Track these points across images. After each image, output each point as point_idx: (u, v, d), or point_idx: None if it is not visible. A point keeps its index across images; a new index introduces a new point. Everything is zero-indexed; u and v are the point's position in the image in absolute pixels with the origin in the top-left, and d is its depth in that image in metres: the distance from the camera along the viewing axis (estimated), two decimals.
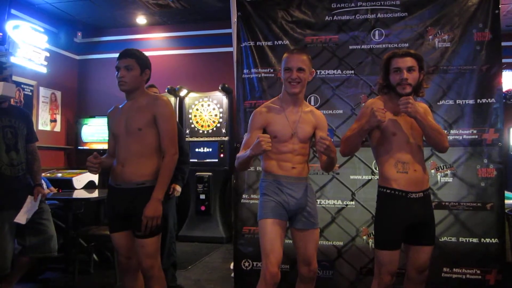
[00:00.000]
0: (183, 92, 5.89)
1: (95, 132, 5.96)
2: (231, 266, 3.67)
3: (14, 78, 4.61)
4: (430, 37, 3.36)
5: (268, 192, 2.37)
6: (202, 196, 5.65)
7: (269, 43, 3.56)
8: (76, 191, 4.54)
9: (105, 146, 5.78)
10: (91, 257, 4.05)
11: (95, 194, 4.38)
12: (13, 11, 4.92)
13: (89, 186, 4.97)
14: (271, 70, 3.53)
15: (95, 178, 5.06)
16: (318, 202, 3.25)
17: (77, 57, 6.57)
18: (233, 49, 3.70)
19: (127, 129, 2.40)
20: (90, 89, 6.60)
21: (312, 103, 3.44)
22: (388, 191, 2.30)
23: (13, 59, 4.92)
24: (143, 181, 2.40)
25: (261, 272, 2.26)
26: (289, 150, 2.37)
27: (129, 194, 2.40)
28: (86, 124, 6.09)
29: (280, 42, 3.54)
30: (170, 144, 2.44)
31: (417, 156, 2.32)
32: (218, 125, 5.76)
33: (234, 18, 3.67)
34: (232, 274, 3.55)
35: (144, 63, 2.53)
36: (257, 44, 3.57)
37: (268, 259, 2.24)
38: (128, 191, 2.41)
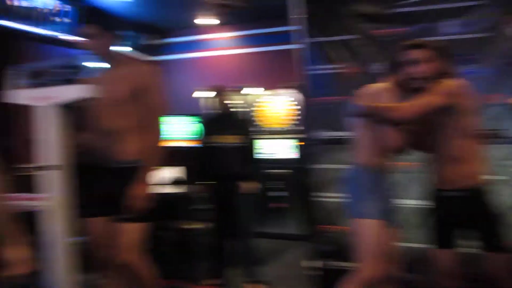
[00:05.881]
0: (249, 90, 5.95)
1: (174, 131, 6.08)
2: (309, 264, 3.66)
3: None
4: None
5: (369, 185, 2.17)
6: (279, 194, 5.67)
7: (336, 38, 3.50)
8: (161, 186, 4.70)
9: (185, 144, 6.13)
10: (175, 249, 4.23)
11: (178, 189, 4.57)
12: None
13: (174, 182, 5.15)
14: (338, 66, 3.47)
15: (177, 174, 5.23)
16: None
17: (149, 59, 6.83)
18: (299, 46, 3.69)
19: (108, 101, 2.11)
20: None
21: None
22: None
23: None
24: (129, 160, 2.18)
25: (362, 274, 2.15)
26: None
27: (112, 174, 2.19)
28: (164, 122, 6.26)
29: (347, 36, 3.47)
30: (157, 119, 2.23)
31: None
32: (290, 122, 5.73)
33: (299, 14, 3.65)
34: (310, 272, 3.54)
35: (108, 25, 2.20)
36: (323, 40, 3.52)
37: (370, 262, 2.12)
38: (111, 170, 2.20)
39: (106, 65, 2.25)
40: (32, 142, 1.85)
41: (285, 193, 5.66)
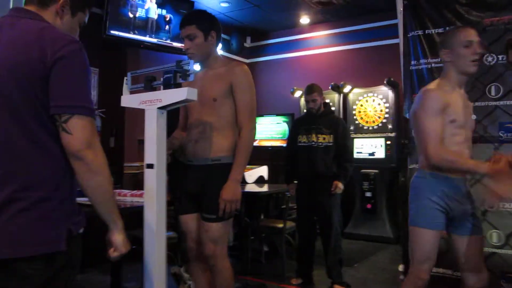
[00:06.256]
0: (346, 88, 5.85)
1: (263, 130, 6.31)
2: (400, 268, 3.51)
3: None
4: None
5: (429, 195, 2.07)
6: (368, 194, 5.52)
7: (440, 30, 3.28)
8: (247, 185, 4.89)
9: (274, 143, 6.29)
10: (262, 247, 4.34)
11: (265, 188, 4.66)
12: None
13: (259, 180, 5.30)
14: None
15: (264, 173, 5.37)
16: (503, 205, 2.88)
17: (247, 61, 7.05)
18: (399, 40, 3.53)
19: (201, 100, 2.06)
20: (258, 90, 7.00)
21: (493, 93, 3.06)
22: None
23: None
24: (219, 156, 2.17)
25: (410, 276, 2.12)
26: (463, 140, 2.10)
27: (202, 171, 2.18)
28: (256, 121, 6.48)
29: (453, 27, 3.24)
30: (247, 118, 2.18)
31: None
32: (384, 120, 5.55)
33: (399, 8, 3.49)
34: (402, 277, 3.39)
35: (207, 26, 2.21)
36: (426, 32, 3.33)
37: (422, 266, 2.07)
38: (201, 168, 2.19)
39: (204, 65, 2.33)
40: (142, 142, 2.01)
41: (376, 194, 5.48)
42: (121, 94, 2.07)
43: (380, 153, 5.51)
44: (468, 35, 2.08)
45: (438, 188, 2.07)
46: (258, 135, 6.39)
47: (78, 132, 1.22)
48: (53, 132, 1.24)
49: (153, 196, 1.84)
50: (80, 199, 1.38)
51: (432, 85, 2.15)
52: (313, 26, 6.54)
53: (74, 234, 1.28)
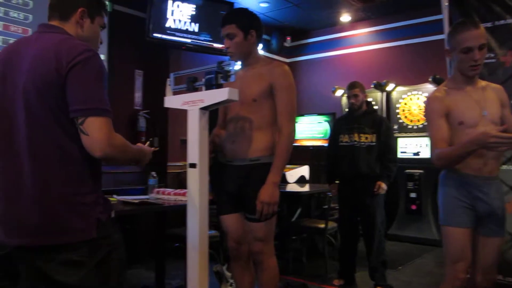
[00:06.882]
0: (390, 87, 5.72)
1: (304, 130, 6.28)
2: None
3: None
4: None
5: (455, 193, 2.04)
6: (413, 195, 5.37)
7: (488, 25, 3.14)
8: (288, 185, 4.88)
9: (315, 143, 6.24)
10: (303, 247, 4.32)
11: (306, 188, 4.63)
12: None
13: (301, 180, 5.28)
14: (492, 55, 3.11)
15: (306, 173, 5.34)
16: None
17: (287, 60, 7.03)
18: (444, 36, 3.42)
19: (241, 99, 2.01)
20: (299, 89, 7.00)
21: None
22: None
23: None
24: (257, 156, 2.16)
25: (447, 277, 2.09)
26: None
27: (241, 171, 2.18)
28: (296, 122, 6.45)
29: (502, 21, 3.09)
30: (287, 118, 2.16)
31: None
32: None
33: (445, 2, 3.38)
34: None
35: (246, 24, 2.20)
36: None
37: (457, 266, 2.02)
38: (240, 168, 2.19)
39: (245, 64, 2.32)
40: (184, 142, 2.05)
41: (421, 194, 5.32)
42: (164, 95, 2.12)
43: (425, 153, 5.35)
44: (466, 40, 1.98)
45: (462, 186, 2.03)
46: (299, 135, 6.36)
47: (95, 133, 1.31)
48: (75, 135, 1.34)
49: (195, 195, 1.87)
50: (127, 198, 1.42)
51: (436, 91, 2.14)
52: (354, 23, 6.43)
53: (103, 221, 1.40)
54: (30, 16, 3.85)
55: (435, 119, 2.03)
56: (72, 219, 1.34)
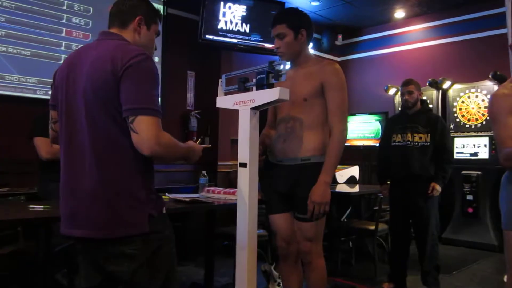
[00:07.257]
0: (446, 84, 5.50)
1: (355, 129, 6.16)
2: (505, 279, 3.22)
3: None
4: None
5: None
6: (469, 197, 5.14)
7: None
8: (338, 185, 4.82)
9: (366, 143, 6.12)
10: (352, 249, 4.25)
11: (356, 189, 4.55)
12: None
13: (351, 181, 5.21)
14: None
15: (356, 173, 5.26)
16: None
17: (338, 59, 6.93)
18: (507, 30, 3.24)
19: (292, 99, 1.98)
20: (350, 88, 6.86)
21: None
22: None
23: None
24: (308, 156, 2.16)
25: (509, 286, 2.02)
26: None
27: (292, 171, 2.18)
28: (348, 121, 6.34)
29: None
30: (338, 117, 2.15)
31: None
32: (489, 118, 5.13)
33: None
34: None
35: (296, 24, 2.19)
36: None
37: None
38: (291, 167, 2.19)
39: (295, 64, 2.31)
40: (235, 142, 2.07)
41: (478, 197, 5.08)
42: (216, 96, 2.16)
43: (484, 154, 5.11)
44: None
45: None
46: (350, 135, 6.26)
47: (143, 131, 1.36)
48: (129, 134, 1.40)
49: (245, 194, 1.89)
50: (178, 196, 1.47)
51: (501, 87, 2.00)
52: (408, 20, 6.24)
53: (156, 216, 1.46)
54: (91, 22, 4.05)
55: (502, 117, 1.90)
56: (128, 214, 1.41)
